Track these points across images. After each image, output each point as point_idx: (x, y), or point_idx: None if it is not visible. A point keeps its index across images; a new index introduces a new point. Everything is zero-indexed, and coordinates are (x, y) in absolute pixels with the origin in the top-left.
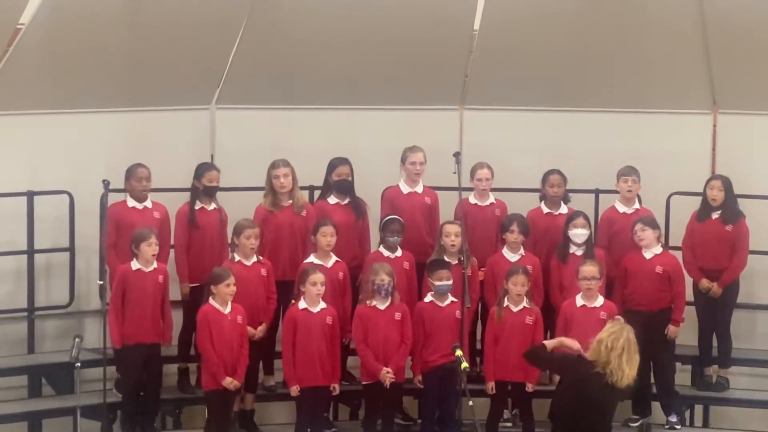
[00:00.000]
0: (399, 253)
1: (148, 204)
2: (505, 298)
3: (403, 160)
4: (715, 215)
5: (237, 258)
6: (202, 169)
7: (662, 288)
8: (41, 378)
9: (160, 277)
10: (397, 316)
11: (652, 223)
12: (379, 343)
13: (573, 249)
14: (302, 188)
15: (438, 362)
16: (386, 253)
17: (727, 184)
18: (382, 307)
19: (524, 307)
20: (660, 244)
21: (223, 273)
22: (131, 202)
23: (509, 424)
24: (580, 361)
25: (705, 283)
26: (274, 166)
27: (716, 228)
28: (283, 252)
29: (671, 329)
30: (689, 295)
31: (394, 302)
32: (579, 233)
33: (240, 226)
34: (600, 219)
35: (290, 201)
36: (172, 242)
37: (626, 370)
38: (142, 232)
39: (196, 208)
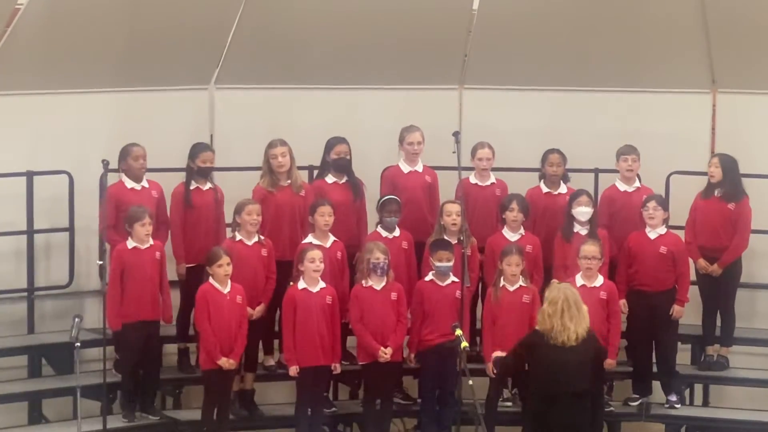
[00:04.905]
0: (397, 233)
1: (145, 183)
2: (501, 279)
3: (401, 140)
4: (717, 193)
5: (238, 237)
6: (196, 150)
7: (666, 268)
8: (41, 358)
9: (157, 254)
10: (393, 296)
11: (665, 204)
12: (377, 323)
13: (577, 228)
14: (301, 168)
15: (437, 341)
16: (384, 233)
17: (725, 162)
18: (378, 287)
19: (520, 286)
20: (665, 225)
21: (217, 253)
22: (129, 183)
23: (509, 404)
24: (534, 334)
25: (702, 263)
26: (271, 145)
27: (718, 206)
28: (284, 232)
29: (676, 309)
30: (692, 274)
31: (390, 281)
32: (583, 211)
33: (241, 203)
34: (600, 198)
35: (288, 181)
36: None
37: (571, 327)
38: (135, 212)
39: (191, 188)
